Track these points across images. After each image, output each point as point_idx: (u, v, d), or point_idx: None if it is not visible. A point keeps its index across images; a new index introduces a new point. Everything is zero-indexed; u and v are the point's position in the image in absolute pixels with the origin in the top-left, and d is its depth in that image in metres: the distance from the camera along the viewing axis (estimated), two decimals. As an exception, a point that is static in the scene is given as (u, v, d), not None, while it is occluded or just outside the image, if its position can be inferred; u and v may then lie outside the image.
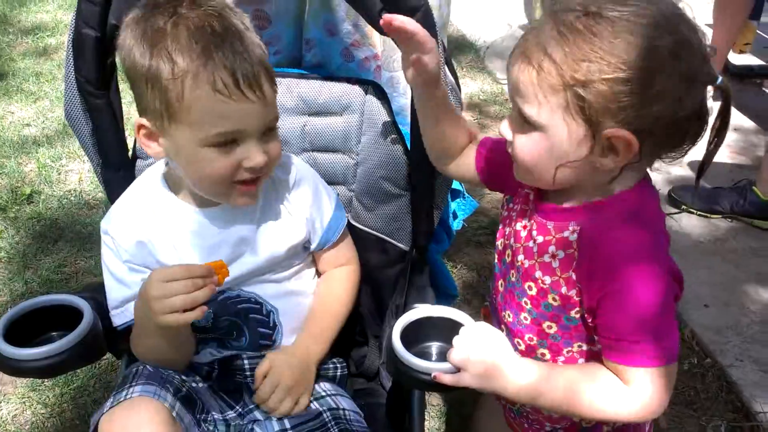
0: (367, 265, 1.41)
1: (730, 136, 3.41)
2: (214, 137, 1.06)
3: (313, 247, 1.30)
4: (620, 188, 0.98)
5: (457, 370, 0.99)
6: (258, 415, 1.23)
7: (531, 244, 1.02)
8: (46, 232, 2.58)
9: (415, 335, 1.07)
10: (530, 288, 1.03)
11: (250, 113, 1.07)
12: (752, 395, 1.96)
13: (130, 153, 1.36)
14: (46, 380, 1.95)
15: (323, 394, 1.26)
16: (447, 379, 0.99)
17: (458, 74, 1.05)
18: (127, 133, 1.35)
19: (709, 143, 1.00)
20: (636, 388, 0.93)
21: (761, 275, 2.45)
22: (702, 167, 1.03)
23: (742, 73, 3.79)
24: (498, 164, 1.13)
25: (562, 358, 1.05)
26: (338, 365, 1.34)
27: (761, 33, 4.04)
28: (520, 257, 1.04)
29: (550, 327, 1.04)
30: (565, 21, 0.88)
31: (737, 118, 3.54)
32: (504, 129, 1.00)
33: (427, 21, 1.13)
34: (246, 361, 1.26)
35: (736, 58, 3.76)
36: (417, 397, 1.24)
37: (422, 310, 1.11)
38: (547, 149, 0.94)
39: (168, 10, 1.05)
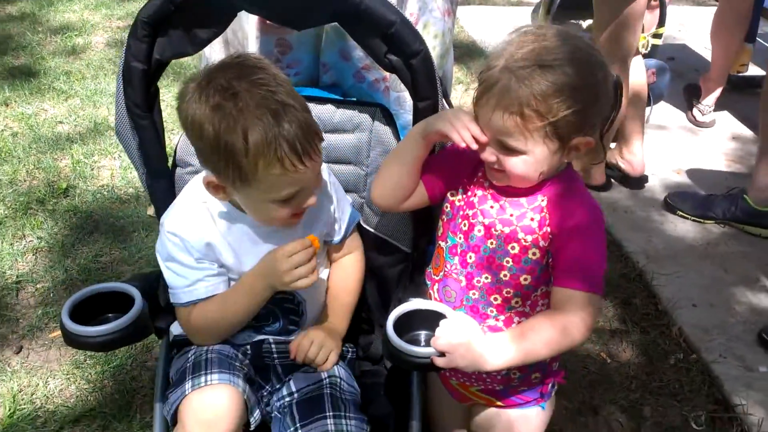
0: (375, 263, 1.59)
1: (728, 145, 3.53)
2: (284, 198, 1.26)
3: (335, 240, 1.50)
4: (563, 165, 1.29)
5: (441, 354, 1.19)
6: (277, 387, 1.45)
7: (507, 216, 1.28)
8: (83, 224, 2.76)
9: (408, 324, 1.26)
10: (513, 248, 1.28)
11: (311, 175, 1.27)
12: (732, 389, 2.11)
13: (170, 163, 1.53)
14: (88, 359, 2.15)
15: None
16: (439, 361, 1.19)
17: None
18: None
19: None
20: (584, 315, 1.21)
21: (748, 278, 2.59)
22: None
23: (742, 84, 3.92)
24: (443, 178, 1.37)
25: (529, 302, 1.31)
26: (349, 349, 1.54)
27: (762, 42, 4.16)
28: (499, 226, 1.28)
29: (525, 279, 1.29)
30: (522, 75, 1.15)
31: (736, 128, 3.67)
32: (489, 156, 1.23)
33: (426, 65, 1.32)
34: (273, 346, 1.47)
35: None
36: (416, 377, 1.43)
37: (413, 304, 1.30)
38: (534, 164, 1.21)
39: (224, 89, 1.18)
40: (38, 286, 2.46)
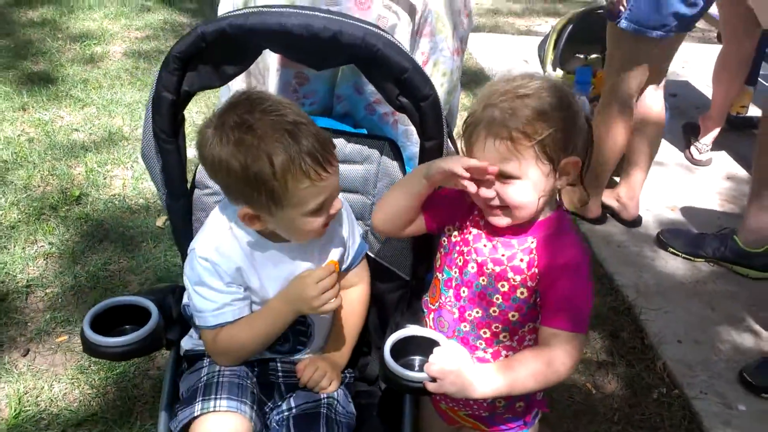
0: (376, 288, 1.68)
1: (723, 184, 3.61)
2: (315, 208, 1.35)
3: (343, 268, 1.58)
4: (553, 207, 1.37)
5: (433, 379, 1.28)
6: (279, 404, 1.53)
7: (499, 255, 1.36)
8: (93, 232, 2.84)
9: (404, 349, 1.35)
10: (503, 286, 1.36)
11: (334, 181, 1.37)
12: (711, 425, 2.19)
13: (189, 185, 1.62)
14: (92, 365, 2.23)
15: None
16: (431, 386, 1.28)
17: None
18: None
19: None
20: (569, 350, 1.29)
21: (733, 318, 2.67)
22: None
23: (740, 123, 4.02)
24: (441, 213, 1.45)
25: (516, 337, 1.39)
26: (347, 374, 1.62)
27: (764, 82, 4.25)
28: (490, 265, 1.36)
29: (513, 316, 1.37)
30: (504, 106, 1.25)
31: (732, 167, 3.75)
32: (488, 193, 1.30)
33: (434, 109, 1.41)
34: (279, 364, 1.56)
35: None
36: (408, 399, 1.51)
37: (410, 330, 1.39)
38: (532, 188, 1.29)
39: (239, 124, 1.28)
40: (47, 290, 2.54)
